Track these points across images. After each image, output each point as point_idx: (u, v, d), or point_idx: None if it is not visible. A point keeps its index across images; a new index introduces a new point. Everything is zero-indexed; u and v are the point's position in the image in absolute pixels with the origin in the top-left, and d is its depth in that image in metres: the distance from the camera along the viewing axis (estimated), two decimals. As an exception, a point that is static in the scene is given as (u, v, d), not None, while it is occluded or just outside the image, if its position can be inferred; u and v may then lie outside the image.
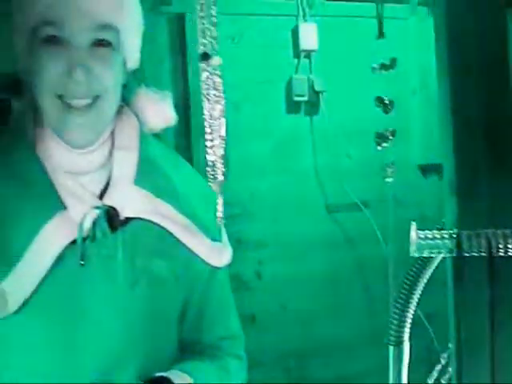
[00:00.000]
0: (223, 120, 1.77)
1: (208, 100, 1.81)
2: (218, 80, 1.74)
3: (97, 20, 1.01)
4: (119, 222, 1.05)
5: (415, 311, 1.01)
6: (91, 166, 1.07)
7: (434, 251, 0.79)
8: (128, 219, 1.07)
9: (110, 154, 1.09)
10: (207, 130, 1.84)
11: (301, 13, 2.78)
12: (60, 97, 1.01)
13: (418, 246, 0.79)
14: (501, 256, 0.78)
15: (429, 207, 2.84)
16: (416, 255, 0.79)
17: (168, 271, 1.09)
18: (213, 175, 1.91)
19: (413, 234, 0.80)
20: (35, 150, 1.06)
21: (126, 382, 1.05)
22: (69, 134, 1.03)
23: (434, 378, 1.03)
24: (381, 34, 1.59)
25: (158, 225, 1.09)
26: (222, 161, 1.85)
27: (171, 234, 1.10)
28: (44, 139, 1.06)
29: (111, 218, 1.04)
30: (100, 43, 1.02)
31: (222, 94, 1.76)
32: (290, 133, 2.80)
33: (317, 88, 2.78)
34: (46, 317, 1.02)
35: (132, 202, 1.07)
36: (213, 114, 1.78)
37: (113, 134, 1.11)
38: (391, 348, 1.03)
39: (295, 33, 2.78)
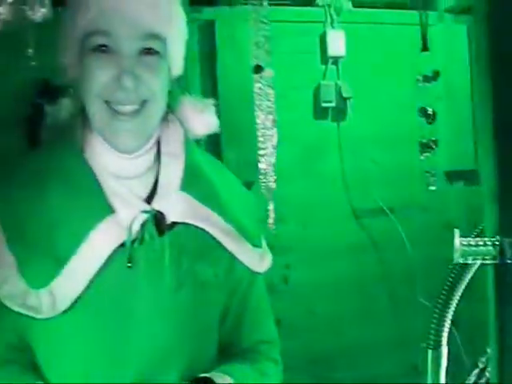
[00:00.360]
0: (275, 130, 1.81)
1: (261, 110, 1.85)
2: (271, 91, 1.78)
3: (145, 29, 1.05)
4: (166, 226, 1.08)
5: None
6: (138, 171, 1.11)
7: (477, 258, 0.81)
8: (174, 223, 1.10)
9: (156, 159, 1.13)
10: (260, 139, 1.89)
11: (328, 19, 2.80)
12: (107, 103, 1.05)
13: (462, 252, 0.81)
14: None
15: (454, 214, 2.86)
16: (460, 261, 0.81)
17: (211, 275, 1.12)
18: (265, 183, 1.95)
19: (456, 241, 0.82)
20: (84, 155, 1.10)
21: (170, 382, 1.08)
22: (116, 140, 1.07)
23: (471, 381, 1.06)
24: (425, 48, 1.60)
25: (203, 229, 1.12)
26: (274, 169, 1.89)
27: (214, 238, 1.13)
28: (92, 144, 1.11)
29: (159, 222, 1.08)
30: (147, 51, 1.06)
31: (273, 105, 1.80)
32: (317, 138, 2.83)
33: (344, 94, 2.80)
34: (93, 317, 1.05)
35: (178, 207, 1.10)
36: (266, 124, 1.82)
37: (159, 140, 1.14)
38: (430, 351, 1.06)
39: (323, 39, 2.80)
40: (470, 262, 0.81)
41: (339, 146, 2.85)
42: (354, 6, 2.75)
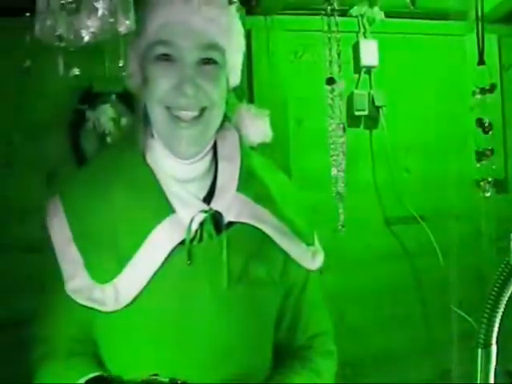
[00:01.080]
0: (345, 138, 1.86)
1: (332, 119, 1.90)
2: (341, 102, 1.84)
3: (205, 40, 1.11)
4: (224, 225, 1.13)
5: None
6: (196, 174, 1.16)
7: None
8: (231, 223, 1.15)
9: (212, 162, 1.18)
10: (332, 146, 1.95)
11: (361, 29, 2.84)
12: (169, 109, 1.10)
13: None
14: None
15: (486, 222, 2.87)
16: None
17: (267, 273, 1.17)
18: (336, 188, 2.01)
19: (513, 243, 0.86)
20: (145, 159, 1.16)
21: (226, 378, 1.12)
22: (177, 147, 1.13)
23: None
24: (481, 62, 1.63)
25: (258, 229, 1.17)
26: (343, 175, 1.94)
27: (269, 237, 1.18)
28: (153, 149, 1.16)
29: (216, 221, 1.13)
30: (207, 61, 1.12)
31: (343, 116, 1.86)
32: (350, 146, 2.86)
33: (377, 103, 2.84)
34: (154, 311, 1.10)
35: (235, 207, 1.16)
36: (337, 132, 1.88)
37: (215, 146, 1.19)
38: (480, 350, 1.09)
39: (356, 49, 2.84)
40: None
41: (372, 154, 2.88)
42: (387, 16, 2.77)
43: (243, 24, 1.19)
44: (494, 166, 1.87)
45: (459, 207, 2.87)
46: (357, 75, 2.86)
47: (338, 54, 1.78)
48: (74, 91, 2.45)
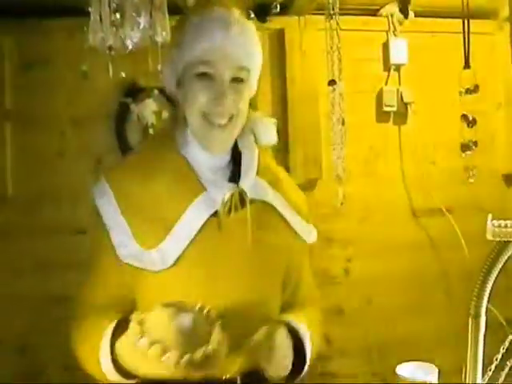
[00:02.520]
0: (343, 130, 2.07)
1: (333, 114, 2.13)
2: (343, 103, 2.06)
3: (237, 63, 1.35)
4: (247, 201, 1.38)
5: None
6: (222, 164, 1.42)
7: (505, 237, 1.00)
8: (252, 200, 1.39)
9: (231, 156, 1.44)
10: (334, 146, 2.19)
11: (391, 28, 2.96)
12: (206, 116, 1.35)
13: (493, 232, 1.00)
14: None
15: (510, 215, 2.96)
16: (491, 239, 0.99)
17: (277, 240, 1.42)
18: (335, 172, 2.24)
19: (488, 222, 1.01)
20: (181, 152, 1.40)
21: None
22: (211, 145, 1.39)
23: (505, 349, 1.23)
24: (467, 65, 1.79)
25: (273, 206, 1.43)
26: (343, 160, 2.15)
27: (280, 213, 1.44)
28: (188, 144, 1.40)
29: (242, 198, 1.38)
30: (237, 79, 1.36)
31: (343, 116, 2.08)
32: (379, 140, 3.00)
33: (405, 99, 2.96)
34: (194, 268, 1.32)
35: (256, 188, 1.41)
36: (337, 126, 2.10)
37: (235, 142, 1.45)
38: (470, 320, 1.24)
39: (386, 47, 2.97)
40: (498, 239, 1.00)
41: (400, 148, 3.01)
42: (416, 15, 2.87)
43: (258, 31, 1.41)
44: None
45: (485, 200, 2.96)
46: (386, 72, 2.98)
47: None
48: (119, 86, 2.66)
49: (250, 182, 1.41)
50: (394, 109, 2.97)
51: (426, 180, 2.99)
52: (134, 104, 2.72)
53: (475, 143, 1.82)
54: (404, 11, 1.92)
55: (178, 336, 1.10)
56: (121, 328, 1.22)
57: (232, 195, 1.36)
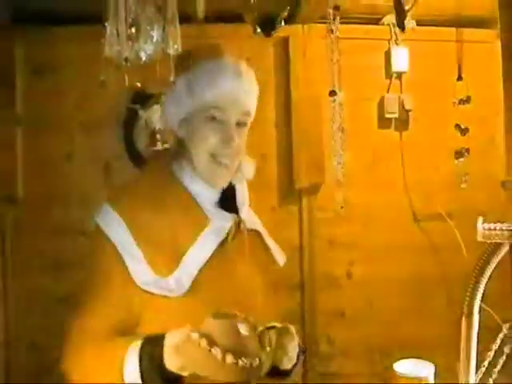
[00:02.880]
0: (343, 138, 2.18)
1: (333, 122, 2.23)
2: (342, 112, 2.17)
3: (244, 108, 1.47)
4: (245, 229, 1.53)
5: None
6: (217, 197, 1.52)
7: (494, 239, 1.06)
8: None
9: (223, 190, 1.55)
10: (334, 153, 2.31)
11: (393, 37, 3.03)
12: (215, 157, 1.45)
13: (483, 234, 1.07)
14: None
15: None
16: (481, 240, 1.06)
17: (263, 261, 1.60)
18: (336, 176, 2.35)
19: (479, 225, 1.07)
20: (185, 186, 1.49)
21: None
22: (215, 181, 1.50)
23: (497, 345, 1.29)
24: (460, 78, 1.87)
25: (260, 233, 1.59)
26: (342, 165, 2.26)
27: (264, 240, 1.61)
28: (192, 180, 1.49)
29: (238, 226, 1.52)
30: (241, 124, 1.48)
31: (343, 125, 2.19)
32: (381, 146, 3.06)
33: (406, 106, 3.03)
34: (202, 292, 1.40)
35: (248, 215, 1.56)
36: (337, 133, 2.21)
37: None
38: (463, 319, 1.30)
39: (387, 55, 3.05)
40: (488, 241, 1.06)
41: (401, 154, 3.08)
42: (418, 24, 2.94)
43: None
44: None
45: (485, 205, 3.01)
46: (388, 80, 3.05)
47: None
48: (128, 93, 2.73)
49: (245, 212, 1.54)
50: (396, 115, 3.05)
51: (427, 185, 3.05)
52: (142, 110, 2.80)
53: (467, 150, 1.89)
54: (400, 25, 2.00)
55: (243, 342, 1.19)
56: (151, 345, 1.27)
57: (235, 224, 1.49)
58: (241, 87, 1.45)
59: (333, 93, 2.42)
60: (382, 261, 3.04)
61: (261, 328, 1.28)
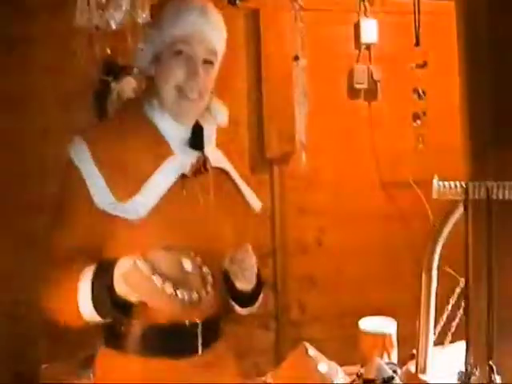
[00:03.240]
0: (307, 102, 2.28)
1: (297, 87, 2.32)
2: (304, 76, 2.26)
3: (210, 46, 1.52)
4: (210, 165, 1.57)
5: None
6: (186, 135, 1.57)
7: (448, 197, 1.13)
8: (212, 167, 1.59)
9: (193, 129, 1.59)
10: (296, 109, 2.39)
11: (362, 9, 3.08)
12: (180, 90, 1.50)
13: (438, 192, 1.13)
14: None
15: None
16: (436, 197, 1.13)
17: (231, 201, 1.64)
18: (299, 139, 2.45)
19: (434, 182, 1.14)
20: (153, 121, 1.55)
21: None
22: (182, 116, 1.54)
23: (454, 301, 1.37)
24: (417, 43, 1.95)
25: (228, 173, 1.64)
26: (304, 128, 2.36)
27: (233, 180, 1.65)
28: (160, 115, 1.55)
29: (204, 163, 1.56)
30: (207, 61, 1.52)
31: (305, 89, 2.28)
32: (350, 116, 3.13)
33: (375, 77, 3.10)
34: (162, 220, 1.47)
35: (215, 155, 1.61)
36: (299, 98, 2.29)
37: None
38: (423, 275, 1.38)
39: (357, 27, 3.10)
40: (443, 198, 1.13)
41: (370, 123, 3.15)
42: (387, -4, 2.99)
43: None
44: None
45: (452, 174, 3.09)
46: (357, 51, 3.11)
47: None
48: (100, 64, 2.74)
49: (211, 151, 1.60)
50: (365, 86, 3.11)
51: (394, 154, 3.12)
52: (114, 82, 2.81)
53: (424, 113, 1.96)
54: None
55: (184, 277, 1.28)
56: (103, 271, 1.34)
57: (197, 161, 1.54)
58: (207, 24, 1.51)
59: (296, 58, 2.58)
60: (351, 228, 3.11)
61: (206, 269, 1.35)
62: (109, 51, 1.31)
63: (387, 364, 1.61)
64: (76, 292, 1.37)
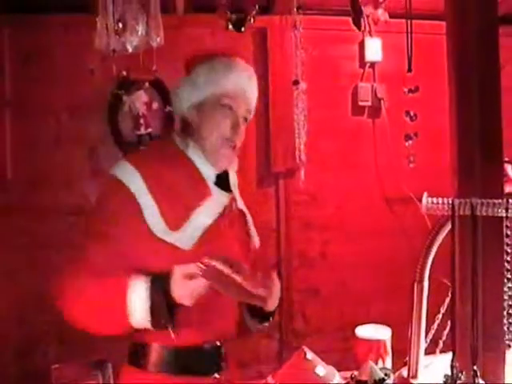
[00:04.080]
0: (306, 122, 2.39)
1: (297, 108, 2.42)
2: (304, 98, 2.37)
3: (250, 105, 1.71)
4: (236, 206, 1.76)
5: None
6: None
7: (436, 212, 1.22)
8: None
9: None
10: (296, 127, 2.50)
11: (367, 28, 3.17)
12: (223, 140, 1.65)
13: (427, 207, 1.22)
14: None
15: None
16: (425, 212, 1.21)
17: (246, 236, 1.81)
18: (299, 156, 2.61)
19: (424, 199, 1.23)
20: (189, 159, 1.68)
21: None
22: (220, 162, 1.68)
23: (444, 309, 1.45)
24: (410, 69, 2.05)
25: (244, 213, 1.80)
26: (304, 148, 2.46)
27: (248, 220, 1.82)
28: (198, 159, 1.68)
29: (234, 203, 1.74)
30: (245, 118, 1.69)
31: (305, 111, 2.39)
32: (354, 133, 3.21)
33: (379, 95, 3.19)
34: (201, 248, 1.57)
35: (239, 199, 1.78)
36: (300, 117, 2.40)
37: None
38: (415, 285, 1.46)
39: (361, 46, 3.19)
40: (431, 213, 1.22)
41: (374, 140, 3.23)
42: (391, 17, 3.07)
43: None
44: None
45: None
46: (362, 69, 3.20)
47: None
48: (113, 79, 2.85)
49: (236, 194, 1.77)
50: (369, 103, 3.20)
51: (397, 170, 3.19)
52: (126, 95, 2.92)
53: (416, 134, 2.06)
54: (356, 24, 2.20)
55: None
56: (159, 278, 1.44)
57: (229, 202, 1.70)
58: (251, 86, 1.69)
59: (295, 82, 2.69)
60: (354, 242, 3.18)
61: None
62: (125, 73, 1.41)
63: (381, 369, 1.69)
64: (123, 301, 1.45)
